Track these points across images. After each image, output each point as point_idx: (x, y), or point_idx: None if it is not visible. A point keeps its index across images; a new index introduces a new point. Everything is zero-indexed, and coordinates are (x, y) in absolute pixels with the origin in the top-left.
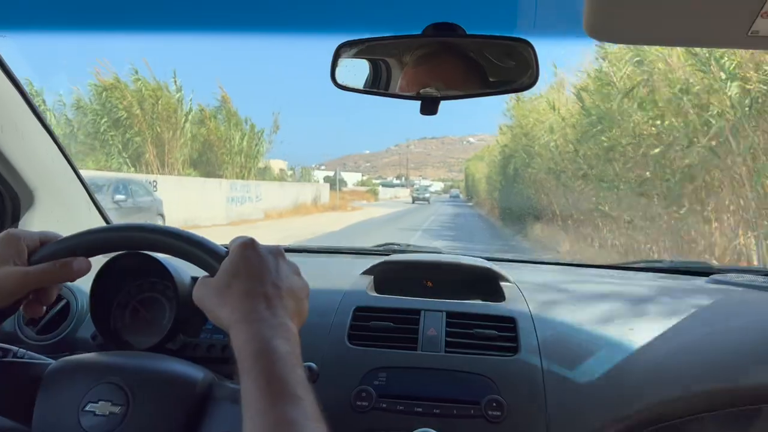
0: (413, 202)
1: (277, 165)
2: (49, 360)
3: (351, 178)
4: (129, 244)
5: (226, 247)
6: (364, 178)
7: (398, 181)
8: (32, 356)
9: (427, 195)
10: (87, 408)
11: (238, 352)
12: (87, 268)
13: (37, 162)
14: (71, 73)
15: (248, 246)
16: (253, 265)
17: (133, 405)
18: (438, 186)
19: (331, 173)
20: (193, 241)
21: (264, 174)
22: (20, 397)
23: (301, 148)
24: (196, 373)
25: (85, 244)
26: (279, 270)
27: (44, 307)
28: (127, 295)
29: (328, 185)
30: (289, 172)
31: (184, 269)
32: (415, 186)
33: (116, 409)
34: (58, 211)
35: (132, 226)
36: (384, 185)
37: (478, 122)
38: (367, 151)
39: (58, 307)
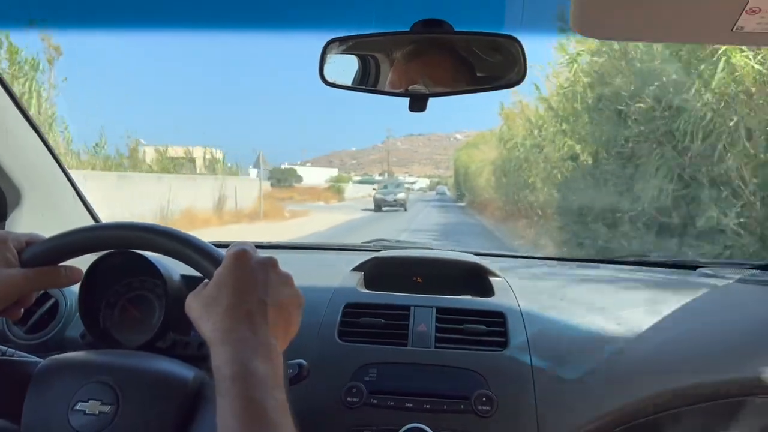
0: (378, 210)
1: (199, 153)
2: (39, 359)
3: (323, 174)
4: (122, 243)
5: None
6: (350, 174)
7: (380, 177)
8: (22, 356)
9: (401, 195)
10: (77, 407)
11: (216, 373)
12: (80, 277)
13: (24, 159)
14: None
15: (239, 257)
16: (240, 279)
17: (123, 404)
18: (423, 182)
19: (322, 170)
20: (188, 242)
21: (179, 166)
22: (9, 395)
23: (284, 145)
24: (186, 372)
25: (78, 242)
26: (268, 284)
27: (22, 310)
28: (116, 293)
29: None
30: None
31: (173, 267)
32: (394, 181)
33: (106, 409)
34: (46, 209)
35: (125, 225)
36: (364, 182)
37: (465, 119)
38: (354, 148)
39: (47, 306)
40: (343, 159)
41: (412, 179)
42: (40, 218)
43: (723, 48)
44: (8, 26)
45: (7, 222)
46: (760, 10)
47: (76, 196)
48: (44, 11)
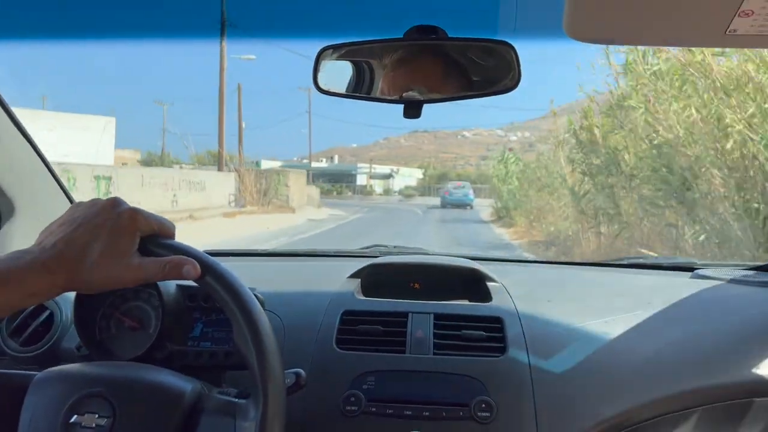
0: None
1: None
2: (33, 372)
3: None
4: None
5: None
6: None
7: (327, 164)
8: (16, 369)
9: None
10: (73, 420)
11: None
12: (195, 275)
13: (17, 169)
14: None
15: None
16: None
17: (119, 417)
18: (412, 175)
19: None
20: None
21: None
22: (4, 409)
23: (283, 142)
24: (184, 384)
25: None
26: None
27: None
28: (111, 304)
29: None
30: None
31: None
32: None
33: (102, 422)
34: (40, 222)
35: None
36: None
37: (474, 117)
38: (354, 145)
39: (42, 317)
40: (342, 155)
41: (384, 169)
42: (34, 230)
43: None
44: None
45: (0, 232)
46: (753, 12)
47: (70, 205)
48: None
